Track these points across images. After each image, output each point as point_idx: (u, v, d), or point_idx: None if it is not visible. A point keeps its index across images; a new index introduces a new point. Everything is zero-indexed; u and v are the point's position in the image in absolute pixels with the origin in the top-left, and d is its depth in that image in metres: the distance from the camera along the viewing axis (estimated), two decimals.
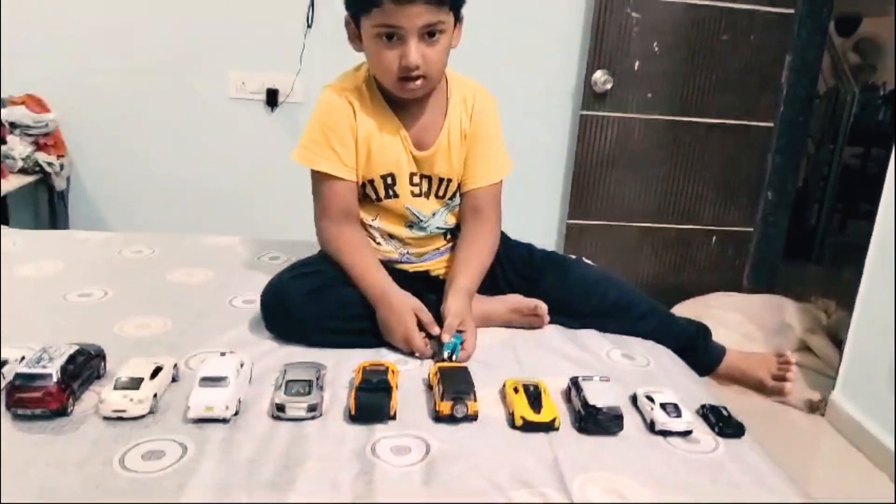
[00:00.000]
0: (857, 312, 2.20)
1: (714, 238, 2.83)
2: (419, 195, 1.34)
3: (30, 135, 2.45)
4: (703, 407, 1.04)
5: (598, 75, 2.58)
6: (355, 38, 1.25)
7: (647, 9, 2.54)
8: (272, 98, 2.63)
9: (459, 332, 1.18)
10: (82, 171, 2.65)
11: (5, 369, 0.97)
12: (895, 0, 4.15)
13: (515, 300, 1.33)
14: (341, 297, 1.22)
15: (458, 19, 1.25)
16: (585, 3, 2.58)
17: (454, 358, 1.15)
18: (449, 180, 1.35)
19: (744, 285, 2.90)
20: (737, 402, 1.46)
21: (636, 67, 2.60)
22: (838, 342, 2.53)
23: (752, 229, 2.85)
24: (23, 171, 2.37)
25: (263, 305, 1.23)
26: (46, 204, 2.60)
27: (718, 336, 2.54)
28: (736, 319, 2.62)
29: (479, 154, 1.34)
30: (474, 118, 1.33)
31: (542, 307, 1.31)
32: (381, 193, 1.32)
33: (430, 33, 1.18)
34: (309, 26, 2.55)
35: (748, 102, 2.69)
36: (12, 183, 2.28)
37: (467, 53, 2.62)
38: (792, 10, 2.58)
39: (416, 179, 1.33)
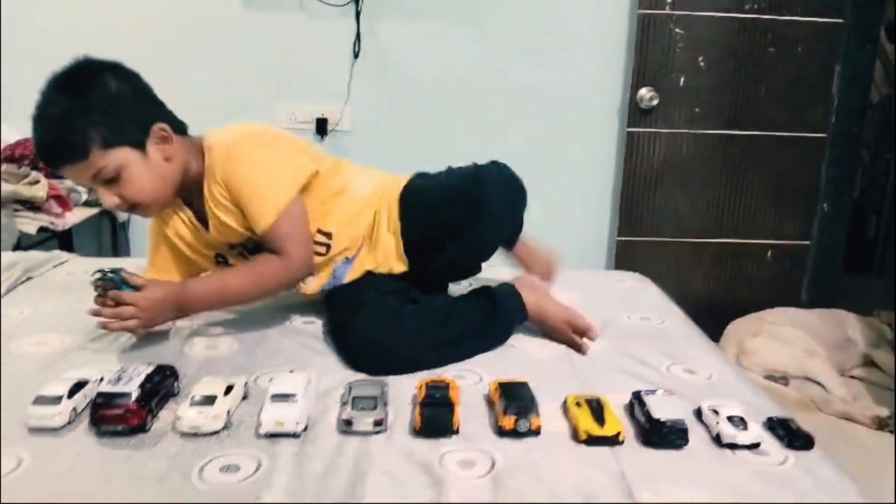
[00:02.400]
0: None
1: (769, 252, 2.78)
2: (251, 254, 1.35)
3: None
4: (769, 419, 1.02)
5: (644, 92, 2.58)
6: None
7: (690, 24, 2.53)
8: (321, 127, 2.70)
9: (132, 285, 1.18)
10: None
11: (86, 389, 1.02)
12: None
13: (573, 314, 1.33)
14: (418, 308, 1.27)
15: (140, 143, 1.21)
16: (628, 20, 2.60)
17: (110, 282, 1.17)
18: (250, 238, 1.32)
19: (802, 300, 2.83)
20: (800, 418, 1.43)
21: (682, 83, 2.59)
22: None
23: (808, 242, 2.79)
24: (87, 203, 2.48)
25: (358, 354, 1.21)
26: (109, 234, 2.71)
27: (778, 352, 2.49)
28: (796, 335, 2.55)
29: (245, 204, 1.26)
30: (225, 182, 1.26)
31: (594, 332, 1.31)
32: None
33: (109, 178, 1.18)
34: (356, 57, 2.62)
35: (798, 114, 2.65)
36: (78, 215, 2.38)
37: (512, 76, 2.65)
38: (840, 20, 2.55)
39: (235, 251, 1.36)
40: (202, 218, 1.32)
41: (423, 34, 2.64)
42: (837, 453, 1.14)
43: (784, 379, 2.44)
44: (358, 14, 2.57)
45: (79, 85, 1.16)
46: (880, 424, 2.25)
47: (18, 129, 2.38)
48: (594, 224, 2.80)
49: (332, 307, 1.39)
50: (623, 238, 2.73)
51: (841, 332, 2.65)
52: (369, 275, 1.38)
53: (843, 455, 1.33)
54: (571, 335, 1.31)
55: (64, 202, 2.32)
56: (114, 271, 1.17)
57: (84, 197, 2.46)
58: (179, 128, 1.29)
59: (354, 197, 1.40)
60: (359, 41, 2.60)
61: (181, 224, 1.35)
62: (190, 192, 1.31)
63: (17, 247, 2.05)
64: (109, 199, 1.20)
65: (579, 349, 1.29)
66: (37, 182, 2.21)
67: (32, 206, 2.20)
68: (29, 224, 2.16)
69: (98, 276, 1.17)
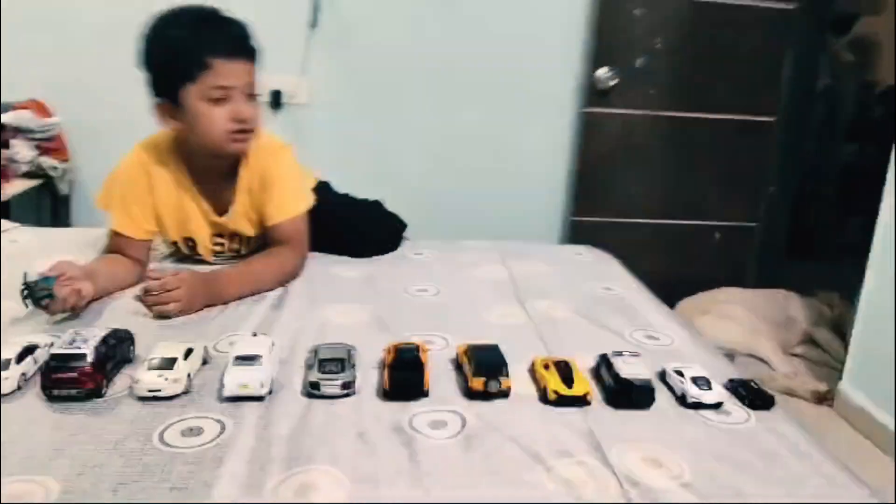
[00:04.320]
0: (862, 304, 2.22)
1: (718, 233, 2.85)
2: (223, 252, 1.49)
3: (33, 139, 2.44)
4: (731, 381, 1.04)
5: (602, 72, 2.60)
6: (169, 116, 1.32)
7: (650, 6, 2.57)
8: (276, 100, 2.64)
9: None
10: (85, 175, 2.65)
11: (36, 354, 0.97)
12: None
13: None
14: None
15: None
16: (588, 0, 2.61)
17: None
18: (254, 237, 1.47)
19: (748, 280, 2.91)
20: None
21: (639, 64, 2.62)
22: (842, 335, 2.55)
23: (755, 224, 2.87)
24: (27, 174, 2.37)
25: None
26: (49, 208, 2.59)
27: (725, 330, 2.56)
28: (742, 314, 2.64)
29: (271, 195, 1.41)
30: (260, 171, 1.41)
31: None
32: (186, 252, 1.49)
33: (251, 93, 1.31)
34: (313, 27, 2.56)
35: (750, 98, 2.72)
36: (17, 187, 2.28)
37: (472, 53, 2.63)
38: (792, 6, 2.62)
39: (219, 239, 1.48)
40: (215, 205, 1.43)
41: (382, 6, 2.60)
42: None
43: (730, 356, 2.52)
44: None
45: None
46: (819, 399, 2.35)
47: None
48: (549, 203, 2.82)
49: None
50: (577, 218, 2.76)
51: (784, 312, 2.75)
52: None
53: None
54: None
55: (2, 172, 2.21)
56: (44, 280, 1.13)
57: (23, 168, 2.35)
58: None
59: None
60: (316, 10, 2.54)
61: (186, 203, 1.42)
62: (209, 174, 1.40)
63: None
64: (253, 108, 1.30)
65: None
66: None
67: None
68: None
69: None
